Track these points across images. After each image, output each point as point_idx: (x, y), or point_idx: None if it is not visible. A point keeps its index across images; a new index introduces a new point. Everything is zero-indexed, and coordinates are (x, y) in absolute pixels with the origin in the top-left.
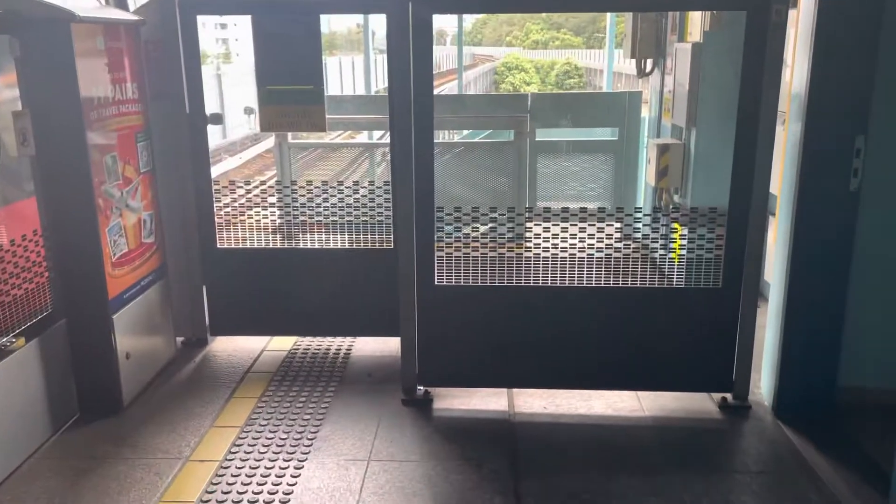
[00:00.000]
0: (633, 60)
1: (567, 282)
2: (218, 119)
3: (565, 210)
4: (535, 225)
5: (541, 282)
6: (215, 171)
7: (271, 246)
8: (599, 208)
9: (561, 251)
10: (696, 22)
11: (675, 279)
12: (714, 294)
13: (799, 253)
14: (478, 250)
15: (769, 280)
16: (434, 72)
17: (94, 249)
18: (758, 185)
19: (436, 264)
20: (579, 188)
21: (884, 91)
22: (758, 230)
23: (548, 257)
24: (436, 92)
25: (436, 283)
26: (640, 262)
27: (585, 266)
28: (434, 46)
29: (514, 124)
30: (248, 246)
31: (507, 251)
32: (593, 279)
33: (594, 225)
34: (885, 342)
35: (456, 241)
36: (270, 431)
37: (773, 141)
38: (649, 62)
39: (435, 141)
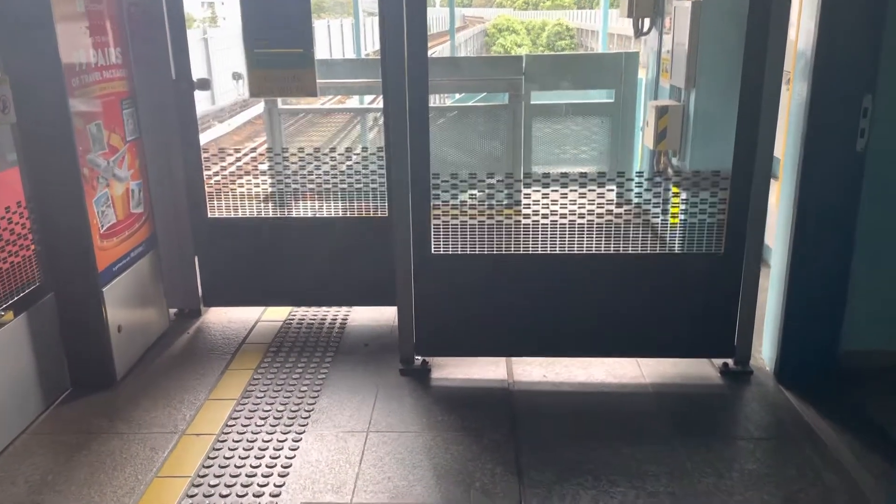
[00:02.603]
0: (630, 20)
1: (566, 248)
2: (205, 84)
3: (564, 175)
4: (534, 191)
5: (539, 249)
6: (205, 138)
7: (263, 215)
8: (599, 173)
9: (560, 217)
10: None
11: (676, 245)
12: (716, 259)
13: (803, 216)
14: (475, 217)
15: (769, 244)
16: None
17: (81, 221)
18: (762, 146)
19: (432, 232)
20: (575, 152)
21: (892, 48)
22: (761, 194)
23: (546, 224)
24: (429, 56)
25: (432, 251)
26: (640, 228)
27: (585, 232)
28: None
29: (509, 87)
30: (240, 215)
31: (505, 218)
32: (593, 245)
33: (593, 190)
34: (890, 304)
35: (453, 209)
36: (267, 403)
37: (778, 101)
38: (647, 22)
39: (430, 105)
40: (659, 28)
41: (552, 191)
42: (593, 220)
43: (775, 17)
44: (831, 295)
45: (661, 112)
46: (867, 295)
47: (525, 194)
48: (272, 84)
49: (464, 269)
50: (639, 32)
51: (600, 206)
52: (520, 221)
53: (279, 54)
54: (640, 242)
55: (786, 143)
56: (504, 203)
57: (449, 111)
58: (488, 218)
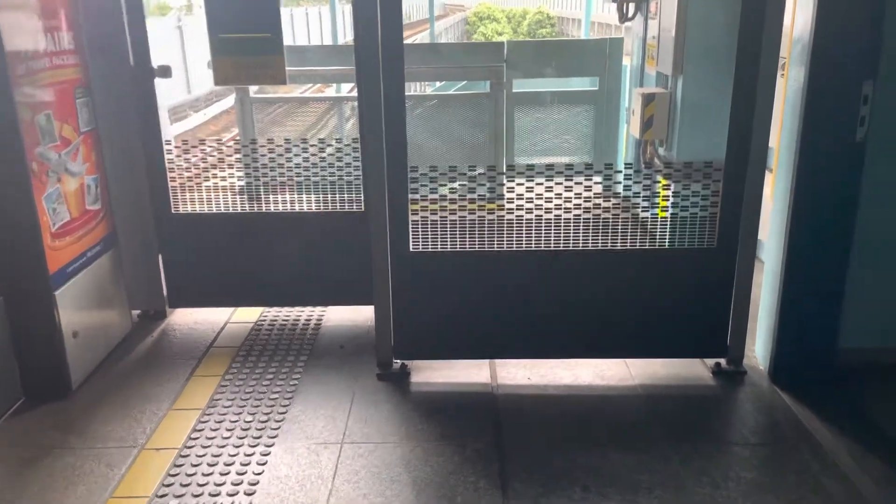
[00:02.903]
0: (615, 5)
1: (551, 244)
2: (166, 72)
3: (549, 167)
4: (517, 184)
5: (523, 245)
6: (180, 127)
7: (232, 210)
8: (585, 165)
9: (544, 212)
10: None
11: (666, 239)
12: (708, 255)
13: (800, 209)
14: (455, 213)
15: (762, 238)
16: (404, 22)
17: (30, 220)
18: (757, 136)
19: (410, 229)
20: (559, 141)
21: (894, 32)
22: (756, 185)
23: (530, 219)
24: (406, 42)
25: (411, 249)
26: (629, 223)
27: (571, 227)
28: None
29: (490, 75)
30: (207, 210)
31: (487, 213)
32: (579, 241)
33: (580, 183)
34: (888, 300)
35: (432, 203)
36: (234, 413)
37: (773, 87)
38: (632, 6)
39: (406, 94)
40: (644, 13)
41: (536, 184)
42: (579, 215)
43: None
44: (827, 291)
45: (648, 100)
46: (864, 291)
47: (508, 188)
48: (238, 72)
49: (444, 267)
50: (623, 17)
51: (586, 199)
52: (502, 217)
53: (245, 40)
54: (628, 237)
55: (781, 133)
56: (486, 197)
57: (428, 100)
58: (469, 213)
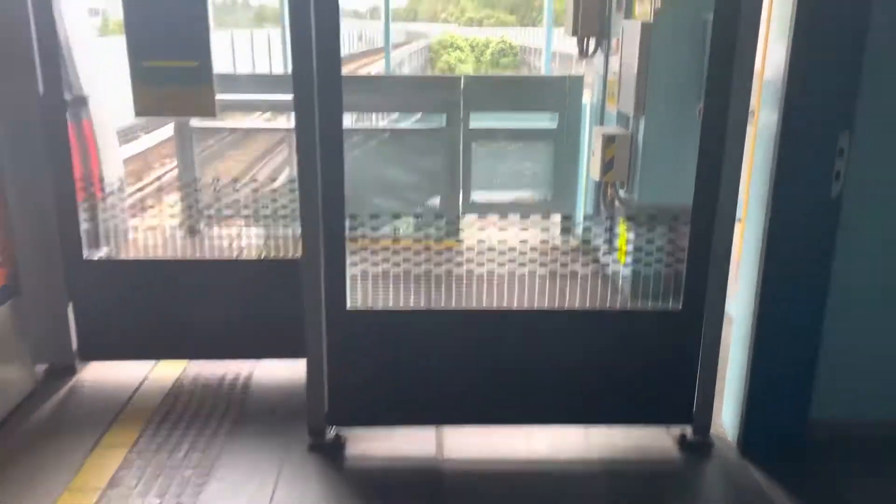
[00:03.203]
0: (575, 39)
1: (505, 303)
2: (81, 103)
3: (503, 218)
4: (467, 236)
5: (473, 303)
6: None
7: (153, 256)
8: (542, 216)
9: (498, 266)
10: None
11: (628, 299)
12: (673, 317)
13: (771, 267)
14: (400, 265)
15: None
16: (364, 49)
17: None
18: (726, 187)
19: (348, 284)
20: (517, 179)
21: (873, 80)
22: (724, 243)
23: (481, 273)
24: (365, 71)
25: (348, 307)
26: (588, 280)
27: (526, 283)
28: (364, 22)
29: (446, 109)
30: (124, 256)
31: (435, 266)
32: (535, 299)
33: (544, 228)
34: (864, 369)
35: (373, 252)
36: (139, 495)
37: (744, 135)
38: (592, 41)
39: (360, 126)
40: (605, 49)
41: (489, 232)
42: (535, 271)
43: (742, 38)
44: (801, 358)
45: (608, 141)
46: (839, 358)
47: (457, 239)
48: (162, 102)
49: (386, 327)
50: (584, 53)
51: (543, 253)
52: (451, 271)
53: (170, 68)
54: (587, 295)
55: (750, 184)
56: (443, 233)
57: (381, 134)
58: (416, 266)
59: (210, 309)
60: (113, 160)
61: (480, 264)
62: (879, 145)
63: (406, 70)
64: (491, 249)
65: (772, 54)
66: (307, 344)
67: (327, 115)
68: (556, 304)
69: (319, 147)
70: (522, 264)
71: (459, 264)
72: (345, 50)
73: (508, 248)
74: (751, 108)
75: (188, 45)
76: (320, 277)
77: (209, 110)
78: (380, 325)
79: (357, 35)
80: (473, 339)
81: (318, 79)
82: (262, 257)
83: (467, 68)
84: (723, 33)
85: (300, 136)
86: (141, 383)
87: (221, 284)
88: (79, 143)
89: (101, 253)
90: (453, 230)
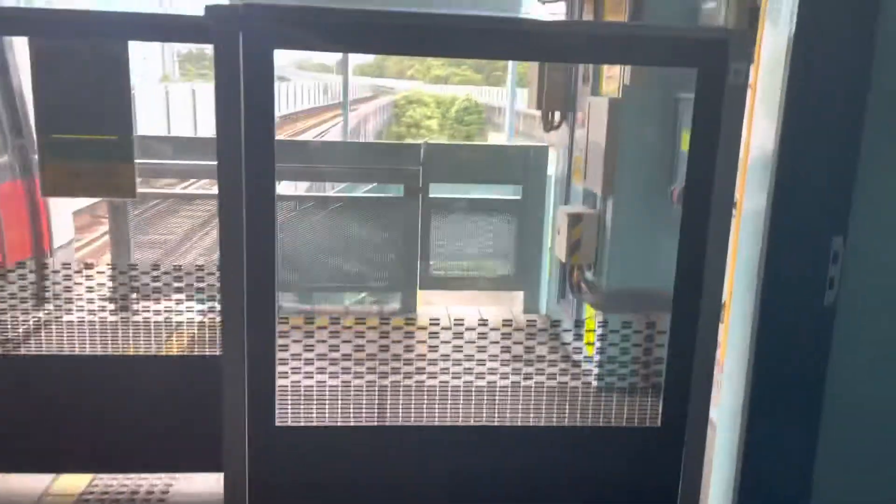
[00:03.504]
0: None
1: (461, 418)
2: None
3: (458, 322)
4: (418, 342)
5: (423, 418)
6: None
7: (50, 352)
8: (504, 321)
9: (451, 377)
10: (614, 73)
11: (601, 414)
12: (650, 435)
13: (760, 379)
14: (349, 370)
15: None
16: (330, 102)
17: None
18: (709, 285)
19: (276, 396)
20: (477, 254)
21: (870, 179)
22: (707, 351)
23: (433, 385)
24: (328, 125)
25: (276, 423)
26: (556, 395)
27: (484, 397)
28: (331, 76)
29: (405, 179)
30: (15, 352)
31: (379, 377)
32: (494, 414)
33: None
34: (861, 485)
35: (306, 363)
36: None
37: (728, 226)
38: (557, 115)
39: (312, 193)
40: (570, 122)
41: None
42: (495, 382)
43: (726, 127)
44: (791, 483)
45: (575, 221)
46: (832, 485)
47: (406, 345)
48: (74, 181)
49: (324, 448)
50: (549, 125)
51: (504, 361)
52: (398, 382)
53: (86, 142)
54: (554, 410)
55: (734, 278)
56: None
57: (332, 202)
58: (355, 377)
59: (122, 413)
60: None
61: (432, 375)
62: (876, 249)
63: (371, 125)
64: (445, 358)
65: (757, 144)
66: (225, 469)
67: (257, 183)
68: (522, 415)
69: (246, 222)
70: (481, 375)
71: (408, 374)
72: (310, 103)
73: (465, 357)
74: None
75: (109, 116)
76: (243, 382)
77: (129, 190)
78: (317, 444)
79: (322, 88)
80: (427, 457)
81: (246, 142)
82: (184, 352)
83: (433, 123)
84: (703, 127)
85: (223, 213)
86: (38, 500)
87: (135, 385)
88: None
89: None
90: (409, 306)
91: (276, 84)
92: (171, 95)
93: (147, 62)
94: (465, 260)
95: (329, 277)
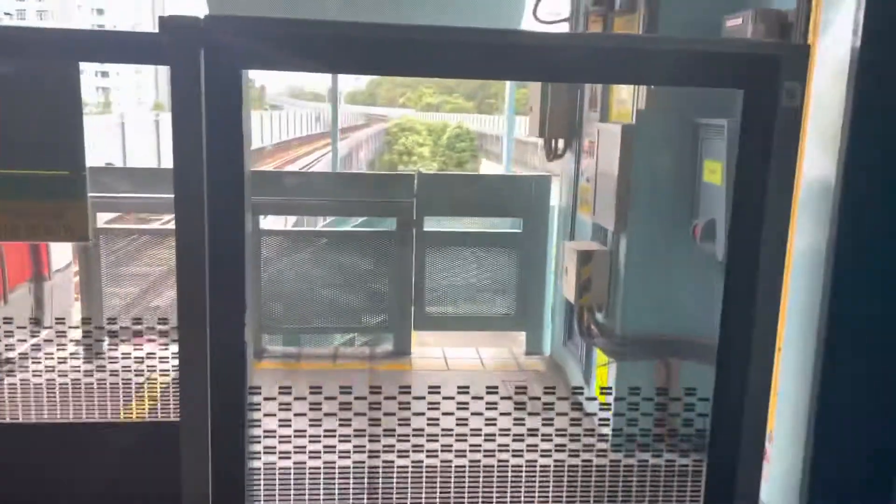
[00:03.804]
0: (541, 140)
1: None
2: None
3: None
4: (415, 414)
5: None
6: None
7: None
8: (517, 388)
9: (455, 455)
10: (626, 97)
11: (633, 494)
12: None
13: (818, 458)
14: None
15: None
16: (323, 131)
17: None
18: (758, 343)
19: (246, 477)
20: (476, 293)
21: None
22: (757, 427)
23: (433, 466)
24: (320, 153)
25: None
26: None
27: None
28: (322, 104)
29: (397, 213)
30: None
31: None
32: (507, 498)
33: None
34: None
35: (282, 440)
36: None
37: (783, 263)
38: (561, 142)
39: (298, 229)
40: (576, 150)
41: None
42: (491, 466)
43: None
44: None
45: (585, 259)
46: None
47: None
48: (18, 222)
49: None
50: (552, 154)
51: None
52: (376, 467)
53: (32, 178)
54: (564, 489)
55: (784, 334)
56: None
57: (317, 238)
58: (341, 456)
59: (72, 483)
60: None
61: (433, 454)
62: None
63: (363, 153)
64: (447, 433)
65: (813, 160)
66: None
67: (224, 222)
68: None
69: (209, 270)
70: (489, 453)
71: (388, 464)
72: (303, 131)
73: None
74: None
75: (58, 148)
76: (207, 465)
77: (81, 232)
78: None
79: (315, 116)
80: None
81: (209, 176)
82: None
83: (425, 150)
84: (753, 135)
85: (183, 257)
86: None
87: (87, 457)
88: None
89: None
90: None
91: (269, 113)
92: (161, 124)
93: (141, 89)
94: (462, 298)
95: (316, 318)
